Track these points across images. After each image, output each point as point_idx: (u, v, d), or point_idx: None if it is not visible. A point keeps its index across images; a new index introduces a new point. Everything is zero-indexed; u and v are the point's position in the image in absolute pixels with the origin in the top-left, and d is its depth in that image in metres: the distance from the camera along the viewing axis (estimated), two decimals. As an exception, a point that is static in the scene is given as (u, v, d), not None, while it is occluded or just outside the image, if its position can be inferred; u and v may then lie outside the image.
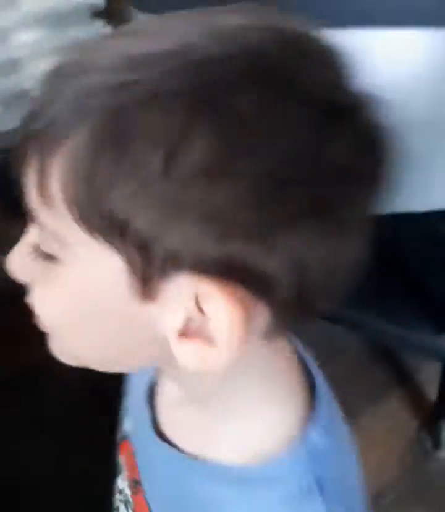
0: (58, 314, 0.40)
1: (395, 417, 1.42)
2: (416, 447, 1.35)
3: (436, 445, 1.34)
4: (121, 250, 0.33)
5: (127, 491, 0.53)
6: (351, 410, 1.65)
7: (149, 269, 0.33)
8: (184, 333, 0.35)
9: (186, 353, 0.35)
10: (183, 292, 0.34)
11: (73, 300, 0.38)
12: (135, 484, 0.52)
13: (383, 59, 0.88)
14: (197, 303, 0.34)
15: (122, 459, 0.55)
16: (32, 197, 0.35)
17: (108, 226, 0.33)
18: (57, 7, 1.41)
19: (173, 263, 0.33)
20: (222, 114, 0.31)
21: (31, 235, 0.40)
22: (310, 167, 0.32)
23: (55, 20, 1.45)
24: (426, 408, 1.41)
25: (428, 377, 1.44)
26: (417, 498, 1.25)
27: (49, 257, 0.37)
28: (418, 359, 1.50)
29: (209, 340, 0.34)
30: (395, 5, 0.85)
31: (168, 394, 0.49)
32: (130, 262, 0.34)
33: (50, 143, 0.33)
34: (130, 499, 0.53)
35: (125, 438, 0.55)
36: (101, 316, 0.38)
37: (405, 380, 1.50)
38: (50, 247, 0.37)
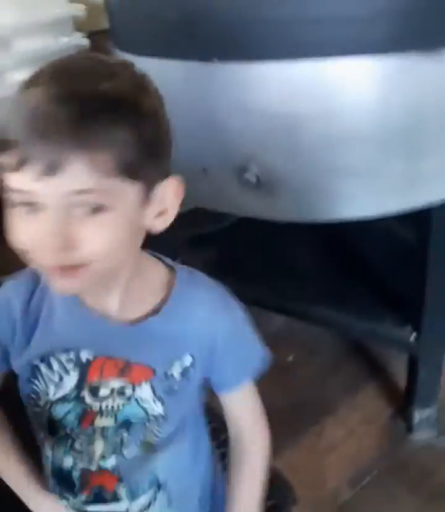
0: (109, 247, 0.59)
1: (370, 406, 1.47)
2: (391, 432, 1.40)
3: (409, 429, 1.39)
4: (142, 182, 0.60)
5: (116, 384, 0.68)
6: (330, 403, 1.74)
7: (150, 188, 0.61)
8: (157, 215, 0.64)
9: (158, 222, 0.64)
10: (158, 193, 0.62)
11: (124, 229, 0.60)
12: (124, 371, 0.67)
13: (333, 84, 0.96)
14: (162, 195, 0.63)
15: (96, 381, 0.68)
16: (82, 179, 0.55)
17: (139, 175, 0.59)
18: (47, 48, 1.50)
19: (157, 181, 0.62)
20: (133, 114, 0.58)
21: (53, 217, 0.56)
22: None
23: (45, 59, 1.54)
24: (398, 396, 1.45)
25: (398, 368, 1.49)
26: (394, 477, 1.30)
27: (96, 210, 0.57)
28: (388, 352, 1.55)
29: (165, 211, 0.64)
30: (345, 37, 0.92)
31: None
32: (145, 186, 0.61)
33: (101, 143, 0.56)
34: (123, 384, 0.67)
35: (88, 363, 0.68)
36: (131, 231, 0.62)
37: (377, 372, 1.55)
38: (99, 202, 0.57)
